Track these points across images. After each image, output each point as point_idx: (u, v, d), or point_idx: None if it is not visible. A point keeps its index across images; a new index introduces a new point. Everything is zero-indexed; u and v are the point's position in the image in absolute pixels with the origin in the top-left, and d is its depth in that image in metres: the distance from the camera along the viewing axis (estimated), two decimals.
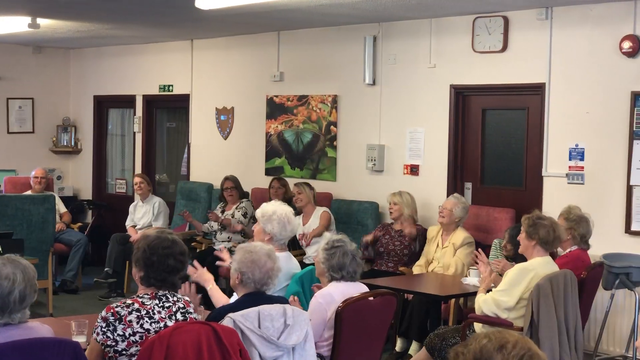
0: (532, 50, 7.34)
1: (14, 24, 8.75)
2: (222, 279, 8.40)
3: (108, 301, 9.03)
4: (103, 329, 3.74)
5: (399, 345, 7.14)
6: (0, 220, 8.47)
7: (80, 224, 10.70)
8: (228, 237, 8.82)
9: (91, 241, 10.36)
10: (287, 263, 5.35)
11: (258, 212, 5.57)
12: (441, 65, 7.97)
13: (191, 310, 3.95)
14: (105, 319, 3.75)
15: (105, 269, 9.54)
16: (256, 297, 4.30)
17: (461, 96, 7.94)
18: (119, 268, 9.56)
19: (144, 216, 9.83)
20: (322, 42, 8.98)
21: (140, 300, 3.85)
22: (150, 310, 3.81)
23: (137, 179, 9.93)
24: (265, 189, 8.99)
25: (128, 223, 9.91)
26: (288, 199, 8.63)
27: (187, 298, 4.04)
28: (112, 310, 3.77)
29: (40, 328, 3.58)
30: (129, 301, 3.83)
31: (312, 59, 9.10)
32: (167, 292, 3.92)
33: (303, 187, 8.38)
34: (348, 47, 8.70)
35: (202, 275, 5.03)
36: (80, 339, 4.11)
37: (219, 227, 8.91)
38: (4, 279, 3.45)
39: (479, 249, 6.17)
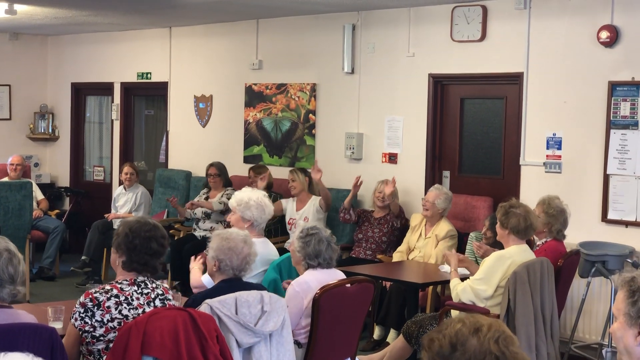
0: (511, 39, 7.36)
1: None
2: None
3: (85, 288, 8.99)
4: (81, 315, 3.75)
5: (376, 333, 7.17)
6: None
7: (57, 211, 10.65)
8: (211, 227, 8.75)
9: (68, 228, 10.31)
10: (264, 249, 5.37)
11: (232, 202, 5.60)
12: (420, 54, 7.98)
13: (170, 297, 3.96)
14: (83, 305, 3.76)
15: (82, 258, 9.50)
16: (233, 284, 4.32)
17: (440, 85, 7.95)
18: (97, 256, 9.53)
19: (125, 204, 9.80)
20: (301, 30, 8.97)
21: (119, 286, 3.85)
22: (129, 297, 3.82)
23: (127, 169, 9.85)
24: (244, 177, 8.97)
25: (112, 211, 9.89)
26: (269, 186, 8.60)
27: (166, 285, 4.04)
28: (90, 296, 3.77)
29: (25, 315, 3.59)
30: (107, 287, 3.83)
31: (291, 47, 9.09)
32: (145, 278, 3.92)
33: (296, 174, 8.30)
34: (327, 35, 8.69)
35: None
36: (57, 325, 4.10)
37: (203, 215, 8.87)
38: (5, 251, 3.51)
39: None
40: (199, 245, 8.49)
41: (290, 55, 9.09)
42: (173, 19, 9.73)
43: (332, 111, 8.72)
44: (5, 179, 9.82)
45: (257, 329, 4.07)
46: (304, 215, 8.18)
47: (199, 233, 8.83)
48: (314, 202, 8.21)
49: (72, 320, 3.78)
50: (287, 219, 8.35)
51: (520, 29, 7.28)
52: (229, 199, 8.68)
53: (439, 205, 7.28)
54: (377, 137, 8.34)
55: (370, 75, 8.37)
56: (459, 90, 7.92)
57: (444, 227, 7.27)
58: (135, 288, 3.88)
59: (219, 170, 8.96)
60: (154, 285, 3.94)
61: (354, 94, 8.50)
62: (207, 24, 9.83)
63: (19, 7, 8.53)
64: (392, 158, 8.23)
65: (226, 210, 8.76)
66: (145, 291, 3.89)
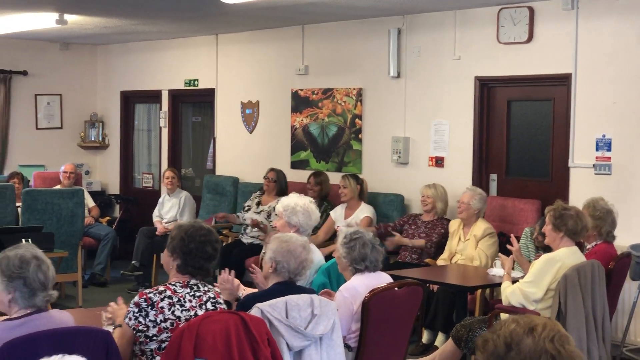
0: (558, 40, 7.32)
1: (42, 21, 8.82)
2: (247, 272, 8.46)
3: (136, 294, 9.12)
4: (135, 314, 3.82)
5: (425, 337, 7.15)
6: (30, 214, 8.58)
7: (108, 218, 10.80)
8: (259, 236, 8.77)
9: (119, 235, 10.45)
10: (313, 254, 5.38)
11: (279, 207, 5.61)
12: (466, 57, 7.96)
13: (221, 301, 4.01)
14: (137, 305, 3.84)
15: (132, 262, 9.63)
16: (287, 287, 4.34)
17: (486, 88, 7.93)
18: (145, 261, 9.64)
19: (170, 210, 9.90)
20: (346, 35, 9.00)
21: (172, 287, 3.93)
22: (181, 298, 3.89)
23: (168, 173, 9.97)
24: (291, 182, 9.01)
25: (155, 214, 9.97)
26: (324, 196, 8.59)
27: (217, 289, 4.09)
28: (145, 296, 3.85)
29: (60, 315, 3.65)
30: (161, 288, 3.91)
31: (337, 52, 9.12)
32: (198, 282, 3.99)
33: (348, 181, 8.29)
34: (373, 40, 8.71)
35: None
36: (111, 329, 4.16)
37: (252, 227, 8.86)
38: (34, 258, 3.56)
39: (512, 235, 6.22)
40: (247, 252, 8.57)
41: (336, 60, 9.13)
42: (220, 26, 9.82)
43: (379, 115, 8.73)
44: (58, 187, 9.98)
45: (308, 332, 4.10)
46: (352, 224, 8.17)
47: (246, 240, 8.87)
48: (363, 210, 8.19)
49: (126, 320, 3.85)
50: (335, 227, 8.36)
51: (567, 30, 7.23)
52: (269, 215, 8.71)
53: (474, 206, 7.27)
54: (424, 141, 8.33)
55: (416, 79, 8.37)
56: (506, 92, 7.89)
57: (480, 226, 7.26)
58: (188, 290, 3.94)
59: (276, 176, 8.96)
60: (205, 288, 4.01)
61: (400, 98, 8.50)
62: (253, 30, 9.91)
63: (69, 17, 8.68)
64: (438, 162, 8.22)
65: (250, 227, 8.76)
66: (198, 294, 3.95)
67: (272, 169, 9.04)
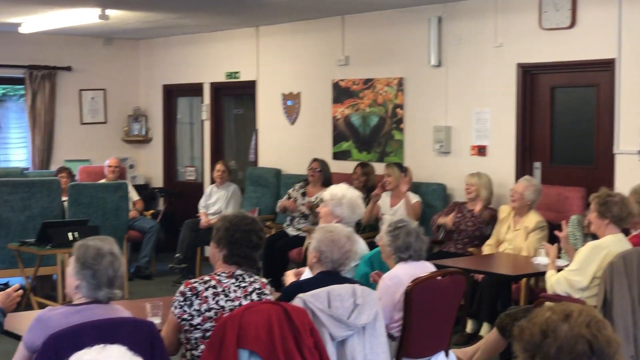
0: (602, 25, 7.21)
1: (85, 16, 8.91)
2: (291, 263, 8.49)
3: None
4: (180, 303, 3.87)
5: (469, 326, 7.12)
6: (76, 208, 8.69)
7: (152, 211, 10.88)
8: (305, 228, 8.77)
9: (163, 228, 10.53)
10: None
11: (326, 195, 5.61)
12: (508, 44, 7.88)
13: (267, 292, 4.02)
14: (183, 294, 3.88)
15: (177, 255, 9.70)
16: (331, 277, 4.34)
17: (529, 75, 7.85)
18: (190, 254, 9.72)
19: (217, 201, 9.94)
20: (386, 24, 8.96)
21: (217, 277, 3.96)
22: (226, 289, 3.91)
23: (219, 166, 10.00)
24: (334, 173, 9.01)
25: (201, 204, 10.00)
26: (370, 188, 8.57)
27: (264, 280, 4.10)
28: (190, 286, 3.89)
29: (122, 311, 3.70)
30: (206, 277, 3.94)
31: (377, 42, 9.09)
32: (244, 272, 4.00)
33: (392, 169, 8.29)
34: (413, 29, 8.67)
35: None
36: (155, 320, 4.20)
37: (300, 215, 8.87)
38: (109, 254, 3.62)
39: (563, 221, 6.14)
40: (291, 243, 8.59)
41: (376, 50, 9.10)
42: (260, 18, 9.84)
43: (420, 105, 8.69)
44: (103, 181, 10.10)
45: (350, 322, 4.10)
46: (398, 212, 8.15)
47: (291, 231, 8.89)
48: (409, 199, 8.17)
49: (172, 309, 3.91)
50: (380, 214, 8.37)
51: (611, 14, 7.12)
52: (316, 205, 8.74)
53: (527, 197, 7.18)
54: (466, 129, 8.28)
55: (457, 67, 8.31)
56: (549, 79, 7.80)
57: (533, 218, 7.17)
58: (233, 280, 3.96)
59: (320, 166, 8.98)
60: (251, 279, 4.02)
61: (441, 86, 8.45)
62: (293, 22, 9.91)
63: (111, 13, 8.76)
64: (481, 150, 8.16)
65: (303, 217, 8.80)
66: (243, 284, 3.97)
67: (315, 159, 9.05)
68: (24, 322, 4.33)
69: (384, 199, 8.32)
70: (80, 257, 3.64)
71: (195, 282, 3.91)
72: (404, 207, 8.12)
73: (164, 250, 10.71)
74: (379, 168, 8.64)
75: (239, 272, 4.01)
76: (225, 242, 4.01)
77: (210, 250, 4.14)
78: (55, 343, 3.37)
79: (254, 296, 3.96)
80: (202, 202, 10.01)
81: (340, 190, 5.61)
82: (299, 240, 8.45)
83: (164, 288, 9.23)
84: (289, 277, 5.02)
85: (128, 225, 9.24)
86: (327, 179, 8.90)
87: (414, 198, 8.19)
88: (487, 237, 7.57)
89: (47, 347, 3.37)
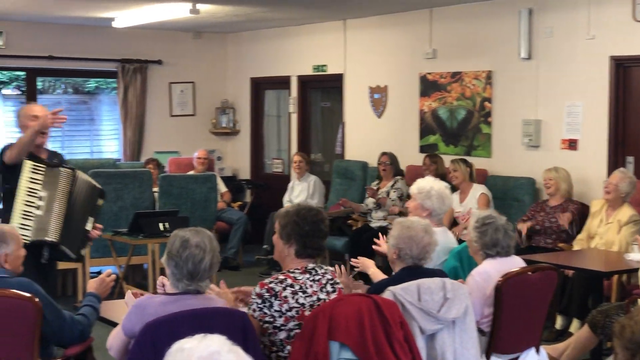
0: None
1: (175, 11, 9.07)
2: (377, 257, 8.49)
3: (269, 277, 9.29)
4: (259, 306, 3.82)
5: (559, 322, 7.03)
6: (166, 199, 8.86)
7: (239, 203, 11.03)
8: (384, 216, 8.90)
9: (250, 220, 10.66)
10: (445, 237, 5.35)
11: (414, 189, 5.56)
12: (600, 36, 7.73)
13: (338, 280, 4.02)
14: (260, 296, 3.82)
15: (264, 246, 9.81)
16: (413, 272, 4.34)
17: (622, 68, 7.68)
18: None
19: (300, 194, 10.03)
20: (475, 17, 8.89)
21: (292, 275, 3.91)
22: (302, 285, 3.87)
23: (296, 157, 10.13)
24: (420, 166, 9.00)
25: (285, 199, 10.13)
26: (440, 175, 8.59)
27: (331, 268, 4.09)
28: (266, 287, 3.83)
29: (217, 300, 3.76)
30: (281, 277, 3.88)
31: (466, 35, 9.02)
32: (315, 265, 3.99)
33: (458, 164, 8.32)
34: (502, 21, 8.57)
35: (364, 262, 5.06)
36: (247, 310, 4.25)
37: (375, 206, 9.00)
38: (195, 247, 3.63)
39: None
40: (376, 236, 8.57)
41: (464, 43, 9.03)
42: (348, 12, 9.86)
43: (509, 98, 8.59)
44: (192, 172, 10.27)
45: (440, 315, 4.09)
46: (467, 206, 8.11)
47: (374, 224, 8.94)
48: (475, 192, 8.13)
49: (251, 312, 3.83)
50: (455, 214, 8.34)
51: None
52: (399, 196, 8.80)
53: (622, 189, 7.03)
54: (556, 123, 8.15)
55: (548, 60, 8.19)
56: None
57: (626, 211, 7.01)
58: (308, 276, 3.92)
59: (390, 160, 9.05)
60: (322, 270, 3.99)
61: (531, 80, 8.34)
62: (380, 15, 9.91)
63: (202, 7, 8.89)
64: (571, 144, 8.03)
65: (377, 207, 8.84)
66: (317, 278, 3.94)
67: (384, 153, 9.12)
68: (117, 310, 4.47)
69: (455, 196, 8.28)
70: (168, 247, 3.71)
71: (271, 283, 3.85)
72: (474, 201, 8.09)
73: (251, 242, 10.83)
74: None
75: (310, 265, 3.97)
76: (297, 236, 3.95)
77: (277, 248, 4.05)
78: (152, 331, 3.45)
79: (329, 287, 3.94)
80: (286, 197, 10.13)
81: (427, 183, 5.55)
82: (384, 232, 8.46)
83: (251, 279, 9.31)
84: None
85: (216, 217, 9.37)
86: (397, 170, 8.98)
87: (479, 190, 8.15)
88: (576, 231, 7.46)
89: (144, 335, 3.45)
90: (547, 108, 8.23)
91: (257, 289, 3.85)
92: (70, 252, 5.30)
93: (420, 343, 4.04)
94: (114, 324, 4.40)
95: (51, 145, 11.54)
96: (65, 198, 5.25)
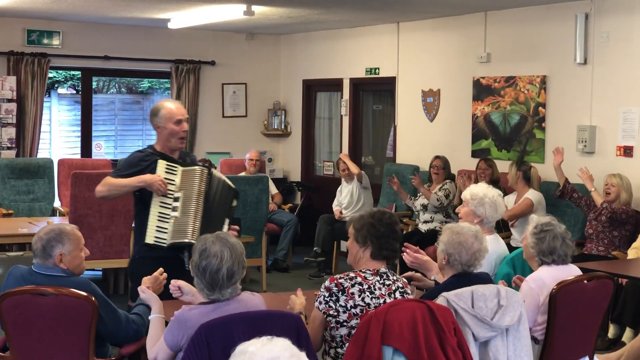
0: None
1: (230, 12, 9.12)
2: None
3: (318, 280, 9.31)
4: (326, 299, 3.92)
5: (611, 331, 6.94)
6: None
7: (290, 205, 11.06)
8: (430, 217, 8.89)
9: (300, 222, 10.68)
10: (496, 245, 5.32)
11: (466, 195, 5.50)
12: None
13: (409, 292, 4.05)
14: (328, 289, 3.93)
15: (315, 249, 9.83)
16: (462, 279, 4.32)
17: None
18: (327, 248, 9.82)
19: (347, 195, 10.03)
20: (530, 21, 8.81)
21: (362, 274, 3.99)
22: (372, 286, 3.95)
23: (341, 163, 10.10)
24: (472, 171, 8.95)
25: (334, 204, 10.15)
26: (495, 180, 8.55)
27: (404, 279, 4.12)
28: (335, 282, 3.93)
29: (251, 299, 3.78)
30: (352, 274, 3.98)
31: (520, 39, 8.94)
32: (387, 271, 4.04)
33: (511, 167, 8.27)
34: (558, 25, 8.49)
35: (424, 264, 4.80)
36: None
37: (421, 208, 8.97)
38: (212, 257, 3.66)
39: None
40: (425, 239, 8.57)
41: (519, 47, 8.96)
42: (401, 14, 9.84)
43: (563, 104, 8.50)
44: (243, 174, 10.32)
45: (494, 323, 4.06)
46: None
47: (422, 227, 8.93)
48: (528, 194, 8.07)
49: (317, 304, 3.94)
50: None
51: None
52: (446, 195, 8.79)
53: None
54: (611, 129, 8.05)
55: (604, 66, 8.09)
56: None
57: None
58: (378, 278, 4.01)
59: (443, 163, 9.03)
60: (394, 277, 4.06)
61: (587, 85, 8.25)
62: (434, 18, 9.87)
63: (256, 9, 8.93)
64: (627, 151, 7.92)
65: (443, 205, 8.82)
66: (387, 282, 4.01)
67: (436, 157, 9.09)
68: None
69: (510, 198, 8.22)
70: (192, 255, 3.75)
71: (340, 278, 3.95)
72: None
73: (300, 244, 10.86)
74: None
75: (383, 269, 4.04)
76: (373, 238, 4.04)
77: (351, 251, 4.13)
78: (207, 333, 3.48)
79: (397, 295, 3.99)
80: (335, 202, 10.16)
81: (481, 190, 5.49)
82: (433, 236, 8.44)
83: (300, 281, 9.36)
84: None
85: (267, 218, 9.41)
86: (449, 175, 9.01)
87: (531, 195, 8.06)
88: (627, 238, 7.36)
89: (198, 337, 3.47)
90: (602, 114, 8.14)
91: (327, 283, 3.95)
92: None
93: (473, 350, 4.01)
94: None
95: (104, 144, 11.78)
96: (201, 198, 5.01)
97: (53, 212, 9.88)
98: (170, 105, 5.16)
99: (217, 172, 5.22)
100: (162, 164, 5.03)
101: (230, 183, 5.28)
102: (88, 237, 7.78)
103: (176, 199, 4.99)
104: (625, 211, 7.39)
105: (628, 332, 6.76)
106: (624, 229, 7.43)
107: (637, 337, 5.72)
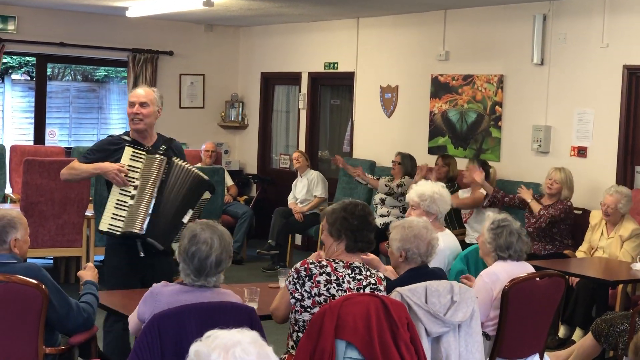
0: None
1: (189, 2, 9.04)
2: (382, 255, 8.48)
3: (271, 273, 9.29)
4: (294, 280, 3.93)
5: (561, 331, 7.01)
6: None
7: (245, 197, 11.02)
8: (387, 212, 8.90)
9: (255, 214, 10.65)
10: (449, 241, 5.32)
11: (413, 196, 5.36)
12: (614, 45, 7.71)
13: (381, 289, 4.01)
14: (297, 271, 3.93)
15: (269, 241, 9.81)
16: (420, 272, 4.34)
17: (635, 77, 7.66)
18: (282, 241, 9.81)
19: (302, 189, 10.03)
20: (489, 20, 8.87)
21: (334, 265, 3.96)
22: (340, 278, 3.93)
23: (295, 154, 10.17)
24: (430, 168, 8.98)
25: (290, 198, 10.14)
26: (452, 177, 8.59)
27: (380, 275, 4.09)
28: (306, 265, 3.93)
29: (230, 295, 3.76)
30: (324, 262, 3.96)
31: (479, 38, 9.00)
32: (361, 265, 4.02)
33: (472, 164, 8.25)
34: (516, 26, 8.55)
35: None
36: (253, 305, 4.25)
37: (378, 201, 8.96)
38: (202, 243, 3.65)
39: None
40: (381, 235, 8.58)
41: (477, 46, 9.01)
42: (361, 10, 9.85)
43: (520, 103, 8.58)
44: (199, 165, 10.26)
45: (447, 318, 4.09)
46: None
47: (378, 220, 8.92)
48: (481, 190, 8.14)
49: (286, 283, 3.97)
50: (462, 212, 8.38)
51: None
52: (399, 185, 8.78)
53: (621, 210, 6.98)
54: (566, 130, 8.14)
55: (561, 67, 8.18)
56: None
57: (627, 226, 6.96)
58: (349, 272, 3.97)
59: (402, 159, 9.01)
60: (368, 273, 4.01)
61: (543, 85, 8.32)
62: (394, 14, 9.89)
63: (216, 0, 8.86)
64: (581, 152, 8.01)
65: (393, 195, 8.82)
66: (358, 277, 3.97)
67: (398, 153, 9.07)
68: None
69: (465, 195, 8.26)
70: (180, 241, 3.74)
71: (312, 264, 3.93)
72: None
73: (255, 236, 10.83)
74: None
75: (357, 264, 4.01)
76: (347, 232, 4.03)
77: (326, 244, 4.13)
78: (159, 323, 3.45)
79: (367, 290, 3.94)
80: (290, 196, 10.14)
81: (426, 188, 5.33)
82: (385, 230, 8.47)
83: (254, 273, 9.34)
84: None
85: (222, 210, 9.36)
86: (407, 172, 8.95)
87: (484, 190, 8.07)
88: (564, 232, 7.43)
89: (151, 326, 3.45)
90: (557, 114, 8.22)
91: (298, 265, 3.95)
92: (158, 244, 4.98)
93: (426, 345, 4.03)
94: (113, 311, 4.44)
95: (59, 132, 11.62)
96: (155, 187, 4.95)
97: (4, 199, 9.73)
98: (134, 90, 5.19)
99: (183, 163, 5.11)
100: (128, 151, 4.99)
101: (203, 176, 5.17)
102: (40, 225, 7.77)
103: (136, 187, 4.95)
104: (563, 210, 7.43)
105: (578, 331, 6.83)
106: (563, 224, 7.49)
107: (587, 336, 5.78)
